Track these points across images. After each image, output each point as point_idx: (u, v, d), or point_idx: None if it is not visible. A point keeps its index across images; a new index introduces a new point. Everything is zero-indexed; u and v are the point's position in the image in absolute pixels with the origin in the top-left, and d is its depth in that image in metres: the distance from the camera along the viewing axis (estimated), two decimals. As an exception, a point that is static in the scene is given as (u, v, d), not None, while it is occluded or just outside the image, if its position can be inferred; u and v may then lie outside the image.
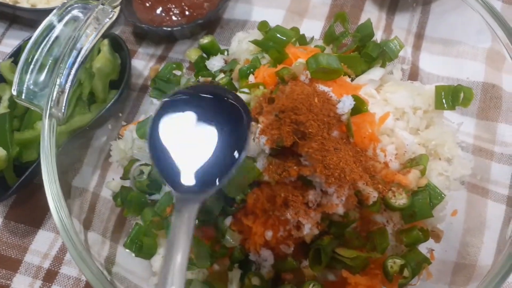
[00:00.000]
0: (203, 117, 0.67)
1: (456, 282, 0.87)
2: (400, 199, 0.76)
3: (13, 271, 1.01)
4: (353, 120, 0.76)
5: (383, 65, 0.99)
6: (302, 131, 0.70)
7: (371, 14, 1.22)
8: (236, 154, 0.64)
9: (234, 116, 0.67)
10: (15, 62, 1.10)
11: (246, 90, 0.79)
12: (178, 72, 1.03)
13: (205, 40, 1.07)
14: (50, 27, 0.85)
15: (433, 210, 0.80)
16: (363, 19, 1.22)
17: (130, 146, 0.90)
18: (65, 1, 1.21)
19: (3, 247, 1.04)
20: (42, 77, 0.81)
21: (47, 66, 0.82)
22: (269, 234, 0.73)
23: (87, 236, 0.81)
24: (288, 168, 0.72)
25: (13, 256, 1.03)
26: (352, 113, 0.74)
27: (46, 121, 0.74)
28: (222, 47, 1.13)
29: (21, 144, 1.01)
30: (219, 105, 0.69)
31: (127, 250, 0.83)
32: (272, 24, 1.22)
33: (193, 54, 1.07)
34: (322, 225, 0.74)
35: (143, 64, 1.19)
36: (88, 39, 0.83)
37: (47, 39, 0.84)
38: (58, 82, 0.77)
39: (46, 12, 1.20)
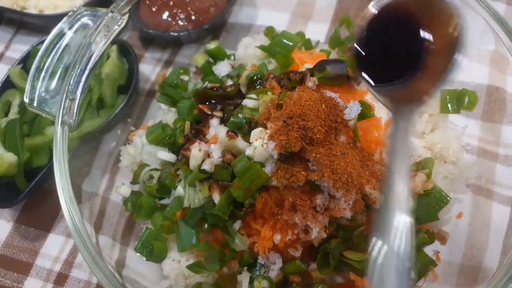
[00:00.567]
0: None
1: (461, 283, 0.88)
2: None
3: (24, 274, 1.02)
4: (360, 125, 0.77)
5: (388, 69, 1.00)
6: (309, 137, 0.71)
7: (376, 17, 1.22)
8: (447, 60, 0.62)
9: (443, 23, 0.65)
10: (24, 68, 1.12)
11: (253, 96, 0.80)
12: (185, 77, 1.04)
13: (212, 45, 1.08)
14: (61, 35, 0.87)
15: (438, 213, 0.81)
16: (367, 22, 1.23)
17: (139, 151, 0.92)
18: (73, 7, 1.24)
19: (15, 251, 1.05)
20: (53, 85, 0.83)
21: (58, 73, 0.84)
22: (277, 237, 0.74)
23: (98, 239, 0.83)
24: (296, 173, 0.73)
25: (24, 260, 1.04)
26: (358, 118, 0.75)
27: (59, 129, 0.75)
28: (227, 51, 1.15)
29: (31, 150, 1.02)
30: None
31: (138, 254, 0.84)
32: (278, 27, 1.23)
33: (200, 59, 1.08)
34: (330, 229, 0.75)
35: (150, 68, 1.21)
36: (98, 46, 0.85)
37: (57, 46, 0.86)
38: (69, 90, 0.78)
39: (53, 18, 1.23)
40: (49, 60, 0.84)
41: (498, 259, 0.80)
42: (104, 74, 1.01)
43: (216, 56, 1.08)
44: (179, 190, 0.81)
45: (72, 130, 0.79)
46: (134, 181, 0.93)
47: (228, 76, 1.00)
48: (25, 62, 1.14)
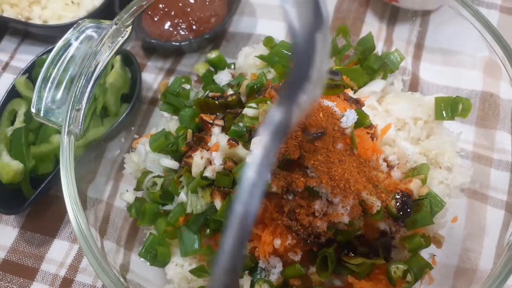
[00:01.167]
0: None
1: (457, 285, 0.91)
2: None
3: (30, 279, 1.05)
4: (356, 132, 0.80)
5: (384, 77, 1.03)
6: (308, 145, 0.74)
7: (372, 26, 1.26)
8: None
9: None
10: (30, 78, 1.15)
11: (253, 105, 0.83)
12: (187, 86, 1.07)
13: (213, 55, 1.11)
14: (66, 46, 0.90)
15: (434, 217, 0.84)
16: (364, 30, 1.27)
17: (143, 158, 0.94)
18: (76, 17, 1.27)
19: (20, 256, 1.08)
20: (59, 95, 0.85)
21: (64, 84, 0.86)
22: (277, 242, 0.77)
23: (103, 244, 0.85)
24: (295, 179, 0.75)
25: (30, 265, 1.07)
26: (355, 126, 0.77)
27: (65, 138, 0.78)
28: (228, 60, 1.17)
29: (37, 157, 1.05)
30: None
31: (142, 259, 0.87)
32: (277, 36, 1.26)
33: (201, 68, 1.11)
34: (329, 233, 0.78)
35: (152, 77, 1.24)
36: (102, 57, 0.88)
37: (63, 57, 0.88)
38: (75, 100, 0.81)
39: (57, 28, 1.26)
40: (55, 71, 0.87)
41: (492, 261, 0.82)
42: (108, 83, 1.04)
43: (217, 65, 1.11)
44: (182, 196, 0.83)
45: (78, 139, 0.82)
46: (137, 188, 0.95)
47: (229, 85, 1.03)
48: (30, 71, 1.16)
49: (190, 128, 0.94)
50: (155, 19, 1.22)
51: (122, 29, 0.90)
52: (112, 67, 1.08)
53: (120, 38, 0.90)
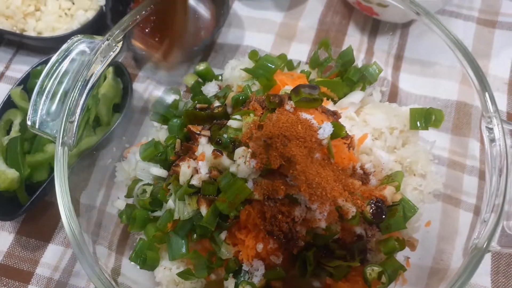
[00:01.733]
0: None
1: (430, 285, 0.96)
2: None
3: (25, 283, 1.09)
4: (334, 143, 0.85)
5: (363, 88, 1.09)
6: (287, 155, 0.79)
7: (354, 37, 1.31)
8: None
9: None
10: (25, 89, 1.19)
11: (238, 117, 0.88)
12: (176, 97, 1.12)
13: (201, 67, 1.16)
14: (60, 60, 0.94)
15: (407, 222, 0.89)
16: (346, 42, 1.32)
17: (133, 167, 0.99)
18: (70, 29, 1.32)
19: (16, 261, 1.12)
20: (54, 107, 0.90)
21: (58, 97, 0.91)
22: (260, 246, 0.82)
23: (95, 249, 0.90)
24: (276, 187, 0.80)
25: (25, 269, 1.11)
26: (332, 137, 0.83)
27: (60, 149, 0.83)
28: (216, 70, 1.22)
29: (32, 166, 1.09)
30: None
31: (132, 263, 0.92)
32: (263, 48, 1.32)
33: (190, 79, 1.16)
34: (307, 238, 0.83)
35: (143, 87, 1.28)
36: (95, 71, 0.92)
37: (57, 72, 0.93)
38: (69, 113, 0.86)
39: (51, 40, 1.30)
40: (49, 84, 0.91)
41: (462, 261, 0.87)
42: (100, 94, 1.09)
43: (205, 77, 1.16)
44: (170, 203, 0.88)
45: (71, 149, 0.86)
46: (128, 195, 1.00)
47: (216, 96, 1.08)
48: (25, 82, 1.21)
49: (179, 137, 0.99)
50: (146, 31, 1.27)
51: (114, 44, 0.95)
52: (105, 78, 1.13)
53: (111, 52, 0.94)
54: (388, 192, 0.87)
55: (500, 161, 0.78)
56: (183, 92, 1.22)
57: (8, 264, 1.12)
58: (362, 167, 0.92)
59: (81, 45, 0.96)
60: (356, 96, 1.05)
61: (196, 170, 0.87)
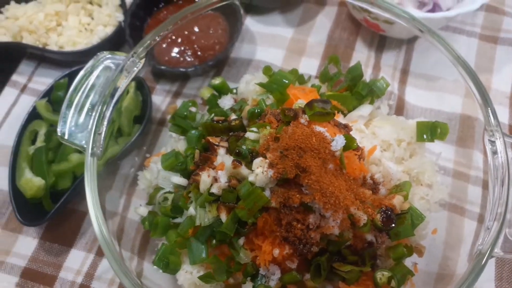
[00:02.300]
0: None
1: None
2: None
3: (50, 286, 1.14)
4: (346, 154, 0.91)
5: (371, 102, 1.14)
6: (302, 166, 0.84)
7: (362, 53, 1.37)
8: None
9: None
10: (49, 101, 1.25)
11: (254, 129, 0.94)
12: (193, 109, 1.18)
13: (217, 81, 1.22)
14: (87, 75, 1.00)
15: (415, 229, 0.94)
16: (354, 57, 1.38)
17: (155, 176, 1.05)
18: (89, 44, 1.38)
19: (40, 265, 1.17)
20: (81, 119, 0.96)
21: (85, 110, 0.97)
22: (276, 251, 0.87)
23: (121, 251, 0.95)
24: (291, 196, 0.86)
25: (49, 273, 1.16)
26: (344, 149, 0.88)
27: (89, 159, 0.88)
28: (230, 84, 1.28)
29: (57, 174, 1.15)
30: None
31: (154, 267, 0.97)
32: (275, 62, 1.38)
33: (206, 92, 1.22)
34: (321, 244, 0.88)
35: (160, 99, 1.34)
36: (119, 86, 0.98)
37: (84, 86, 0.99)
38: (97, 125, 0.92)
39: (72, 54, 1.37)
40: (77, 98, 0.98)
41: (466, 267, 0.92)
42: (123, 107, 1.15)
43: (221, 90, 1.22)
44: (191, 210, 0.93)
45: (99, 159, 0.92)
46: (150, 202, 1.06)
47: (232, 109, 1.13)
48: (49, 95, 1.27)
49: (197, 148, 1.04)
50: (164, 46, 1.34)
51: (137, 61, 1.01)
52: (127, 92, 1.19)
53: (135, 68, 1.00)
54: (397, 201, 0.92)
55: (502, 172, 0.84)
56: (200, 105, 1.28)
57: (33, 268, 1.17)
58: (372, 177, 0.97)
59: (106, 61, 1.02)
60: (365, 109, 1.10)
61: (215, 179, 0.92)
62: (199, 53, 1.34)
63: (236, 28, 1.33)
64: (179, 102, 1.32)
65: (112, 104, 0.96)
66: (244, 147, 0.92)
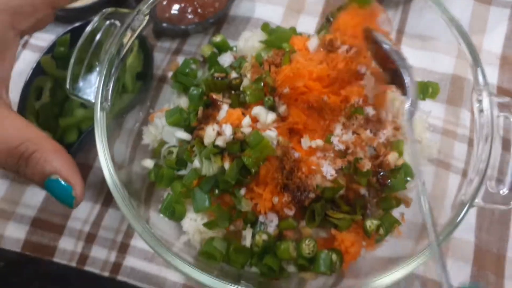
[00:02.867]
0: None
1: (421, 237, 1.08)
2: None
3: (59, 234, 1.21)
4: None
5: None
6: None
7: (359, 13, 1.39)
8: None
9: None
10: (53, 57, 1.28)
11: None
12: (194, 66, 1.21)
13: (218, 38, 1.25)
14: (94, 32, 1.02)
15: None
16: (352, 17, 1.40)
17: (160, 131, 1.09)
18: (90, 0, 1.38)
19: (49, 214, 1.23)
20: (90, 76, 0.99)
21: (93, 66, 1.00)
22: (276, 199, 0.94)
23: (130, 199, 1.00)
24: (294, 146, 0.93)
25: (57, 222, 1.22)
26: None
27: (99, 114, 0.92)
28: (229, 41, 1.31)
29: (63, 128, 1.19)
30: None
31: (161, 215, 1.04)
32: (273, 19, 1.40)
33: (207, 50, 1.25)
34: (317, 191, 0.95)
35: (161, 56, 1.37)
36: (125, 43, 1.01)
37: (91, 42, 1.01)
38: (105, 81, 0.95)
39: (74, 10, 1.37)
40: (85, 54, 1.00)
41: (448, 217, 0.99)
42: (128, 64, 1.18)
43: (221, 48, 1.25)
44: (196, 163, 0.99)
45: (108, 113, 0.96)
46: (154, 156, 1.11)
47: (231, 66, 1.17)
48: (52, 51, 1.29)
49: (200, 105, 1.09)
50: (164, 3, 1.35)
51: (142, 17, 1.03)
52: (131, 49, 1.21)
53: (140, 26, 1.03)
54: (392, 157, 0.99)
55: (487, 130, 0.89)
56: (201, 63, 1.31)
57: (42, 217, 1.23)
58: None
59: (111, 18, 1.04)
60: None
61: (219, 133, 0.97)
62: (199, 10, 1.35)
63: (235, -15, 1.35)
64: (179, 59, 1.35)
65: (118, 61, 0.99)
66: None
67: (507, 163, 0.90)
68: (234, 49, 1.27)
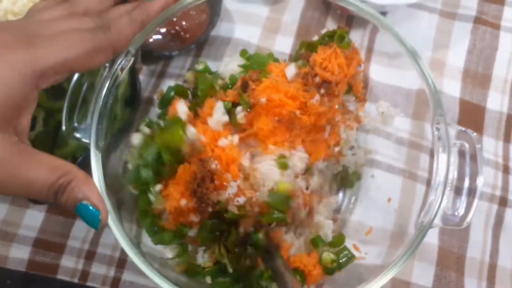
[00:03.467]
0: None
1: (393, 245, 1.19)
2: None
3: (60, 253, 1.30)
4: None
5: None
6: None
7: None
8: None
9: None
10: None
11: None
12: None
13: (200, 66, 1.32)
14: (81, 76, 1.08)
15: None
16: (324, 36, 1.49)
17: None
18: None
19: (49, 235, 1.32)
20: (83, 116, 1.06)
21: (86, 107, 1.06)
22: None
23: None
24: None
25: (58, 241, 1.31)
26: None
27: (94, 153, 1.00)
28: (211, 62, 1.38)
29: (59, 157, 1.26)
30: None
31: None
32: (252, 39, 1.48)
33: (191, 76, 1.33)
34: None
35: (147, 79, 1.45)
36: (117, 79, 1.07)
37: (81, 87, 1.07)
38: (100, 122, 1.03)
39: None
40: (76, 98, 1.06)
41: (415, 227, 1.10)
42: (119, 94, 1.25)
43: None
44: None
45: (102, 149, 1.04)
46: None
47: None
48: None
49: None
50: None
51: (130, 58, 1.09)
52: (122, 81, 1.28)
53: (130, 62, 1.08)
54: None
55: (444, 156, 1.00)
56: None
57: (43, 238, 1.31)
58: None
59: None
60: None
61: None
62: (182, 33, 1.42)
63: (216, 11, 1.42)
64: (164, 82, 1.43)
65: (110, 100, 1.06)
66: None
67: (462, 184, 1.01)
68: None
